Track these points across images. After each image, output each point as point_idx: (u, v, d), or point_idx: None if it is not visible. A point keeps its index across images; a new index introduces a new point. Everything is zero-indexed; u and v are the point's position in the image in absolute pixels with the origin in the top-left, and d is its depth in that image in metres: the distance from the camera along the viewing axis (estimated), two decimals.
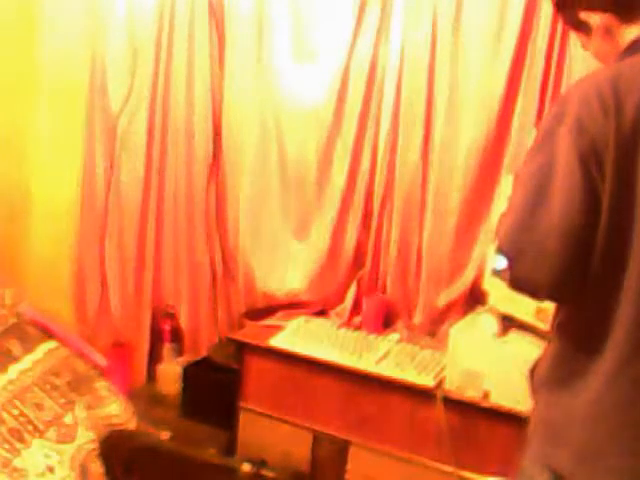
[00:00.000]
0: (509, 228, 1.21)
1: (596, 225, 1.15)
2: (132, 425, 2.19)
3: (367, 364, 2.31)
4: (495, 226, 1.32)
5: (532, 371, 1.36)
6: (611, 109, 1.13)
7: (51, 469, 1.88)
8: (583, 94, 1.18)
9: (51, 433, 1.97)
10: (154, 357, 2.89)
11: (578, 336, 1.24)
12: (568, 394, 1.24)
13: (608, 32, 1.29)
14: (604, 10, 1.28)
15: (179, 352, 2.86)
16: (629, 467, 1.19)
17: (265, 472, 2.01)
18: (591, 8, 1.30)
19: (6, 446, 1.86)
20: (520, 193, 1.22)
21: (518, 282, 1.23)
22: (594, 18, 1.29)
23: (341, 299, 2.63)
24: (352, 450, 2.34)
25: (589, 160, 1.14)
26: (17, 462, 1.84)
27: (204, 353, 2.81)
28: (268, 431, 2.45)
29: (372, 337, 2.48)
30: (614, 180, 1.14)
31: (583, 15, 1.31)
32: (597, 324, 1.20)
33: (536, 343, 1.96)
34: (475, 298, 2.38)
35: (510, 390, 2.00)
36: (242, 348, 2.51)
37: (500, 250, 1.23)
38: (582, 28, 1.33)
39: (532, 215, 1.18)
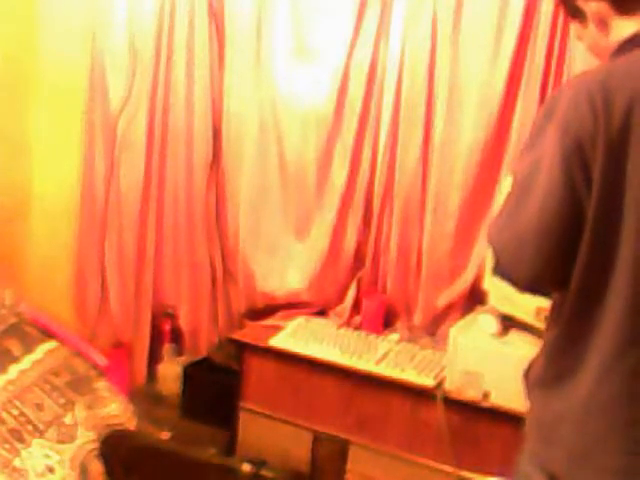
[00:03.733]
0: (495, 221, 1.28)
1: (576, 223, 1.16)
2: (132, 425, 2.19)
3: (367, 364, 2.31)
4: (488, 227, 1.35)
5: (527, 372, 1.36)
6: (600, 110, 1.13)
7: (51, 469, 1.88)
8: (573, 93, 1.18)
9: (51, 433, 1.97)
10: (154, 357, 2.88)
11: (568, 335, 1.24)
12: (559, 393, 1.24)
13: (602, 22, 1.27)
14: None
15: (179, 352, 2.86)
16: (623, 467, 1.18)
17: (265, 472, 2.01)
18: None
19: (6, 446, 1.86)
20: (510, 189, 1.25)
21: (501, 273, 1.29)
22: (590, 6, 1.28)
23: (341, 299, 2.63)
24: (352, 450, 2.34)
25: (572, 160, 1.15)
26: (17, 462, 1.85)
27: (204, 353, 2.81)
28: (268, 431, 2.45)
29: (372, 337, 2.48)
30: (602, 180, 1.14)
31: (580, 2, 1.29)
32: (586, 322, 1.21)
33: (536, 343, 1.95)
34: (475, 298, 2.38)
35: (510, 390, 1.99)
36: (242, 348, 2.51)
37: (487, 240, 1.30)
38: (578, 16, 1.32)
39: (515, 210, 1.22)
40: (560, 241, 1.18)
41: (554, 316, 1.30)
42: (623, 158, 1.14)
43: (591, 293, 1.19)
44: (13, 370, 2.08)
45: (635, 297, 1.15)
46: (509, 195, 1.25)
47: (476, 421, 2.14)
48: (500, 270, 1.28)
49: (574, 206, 1.16)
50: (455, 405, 2.15)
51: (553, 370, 1.27)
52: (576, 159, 1.15)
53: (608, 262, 1.17)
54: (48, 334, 2.29)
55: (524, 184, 1.21)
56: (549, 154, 1.17)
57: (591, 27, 1.30)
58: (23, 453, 1.88)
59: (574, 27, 1.38)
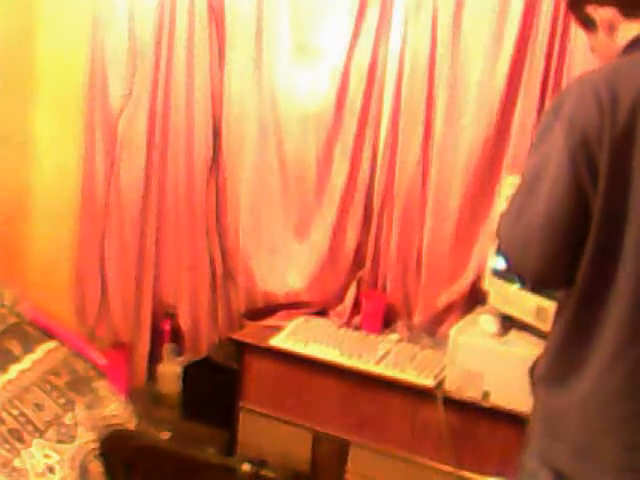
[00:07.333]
0: (504, 216, 1.30)
1: (583, 219, 1.18)
2: (132, 425, 2.19)
3: (367, 364, 2.31)
4: (497, 224, 1.36)
5: (532, 368, 1.37)
6: (606, 106, 1.15)
7: (51, 469, 1.88)
8: (579, 91, 1.20)
9: (51, 433, 1.97)
10: (154, 357, 2.89)
11: (573, 331, 1.26)
12: (564, 389, 1.25)
13: (611, 28, 1.31)
14: (608, 4, 1.29)
15: (179, 352, 2.86)
16: (625, 462, 1.19)
17: (265, 472, 2.01)
18: (597, 2, 1.31)
19: (6, 446, 1.86)
20: (519, 186, 1.27)
21: (512, 268, 1.31)
22: (599, 13, 1.31)
23: (341, 299, 2.63)
24: (352, 450, 2.34)
25: (578, 155, 1.16)
26: (17, 462, 1.84)
27: (204, 353, 2.81)
28: (268, 431, 2.45)
29: (372, 337, 2.48)
30: (608, 175, 1.16)
31: (589, 10, 1.33)
32: (590, 318, 1.22)
33: (536, 343, 1.96)
34: (475, 298, 2.38)
35: (510, 390, 2.00)
36: (242, 348, 2.51)
37: (497, 237, 1.33)
38: (589, 25, 1.35)
39: (523, 206, 1.24)
40: (566, 236, 1.20)
41: (559, 313, 1.31)
42: (629, 153, 1.15)
43: (595, 289, 1.20)
44: (13, 370, 2.08)
45: (638, 293, 1.16)
46: (517, 191, 1.27)
47: (476, 421, 2.14)
48: (508, 266, 1.31)
49: (580, 201, 1.17)
50: (455, 405, 2.15)
51: (558, 366, 1.28)
52: (582, 154, 1.16)
53: (612, 258, 1.18)
54: (48, 334, 2.29)
55: (531, 180, 1.23)
56: (556, 150, 1.19)
57: (600, 34, 1.33)
58: (23, 453, 1.87)
59: (589, 41, 1.41)
